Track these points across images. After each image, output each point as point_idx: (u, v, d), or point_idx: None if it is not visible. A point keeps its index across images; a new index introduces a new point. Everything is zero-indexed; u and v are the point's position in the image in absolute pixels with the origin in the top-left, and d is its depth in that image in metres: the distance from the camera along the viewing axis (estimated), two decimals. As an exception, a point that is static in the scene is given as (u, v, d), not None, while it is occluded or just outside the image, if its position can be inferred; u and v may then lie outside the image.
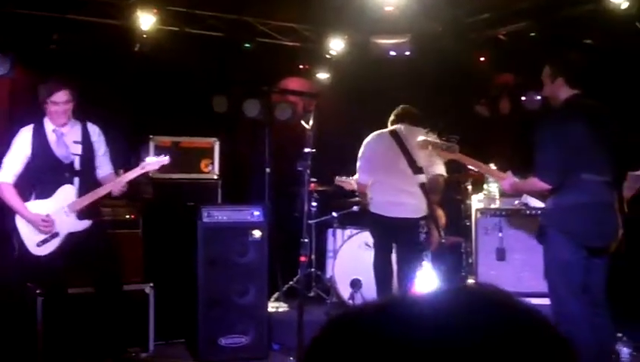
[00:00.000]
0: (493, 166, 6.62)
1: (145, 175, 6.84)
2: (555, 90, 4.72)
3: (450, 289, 0.97)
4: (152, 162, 5.53)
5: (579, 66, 4.82)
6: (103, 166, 5.63)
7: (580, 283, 4.56)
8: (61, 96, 5.33)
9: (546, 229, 4.64)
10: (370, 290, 6.86)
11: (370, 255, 6.67)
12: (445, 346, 0.86)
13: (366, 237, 7.05)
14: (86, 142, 5.52)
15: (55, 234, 5.38)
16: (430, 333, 0.88)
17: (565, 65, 4.76)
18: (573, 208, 4.53)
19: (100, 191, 5.40)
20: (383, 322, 0.91)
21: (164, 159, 5.58)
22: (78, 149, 5.47)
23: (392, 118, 6.43)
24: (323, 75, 8.75)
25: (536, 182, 4.58)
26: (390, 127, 6.34)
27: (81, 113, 5.62)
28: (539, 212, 6.24)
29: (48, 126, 5.45)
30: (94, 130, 5.61)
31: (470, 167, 5.24)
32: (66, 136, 5.48)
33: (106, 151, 5.66)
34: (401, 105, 6.55)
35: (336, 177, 7.20)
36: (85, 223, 5.43)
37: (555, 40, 7.54)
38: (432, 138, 5.30)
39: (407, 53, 8.64)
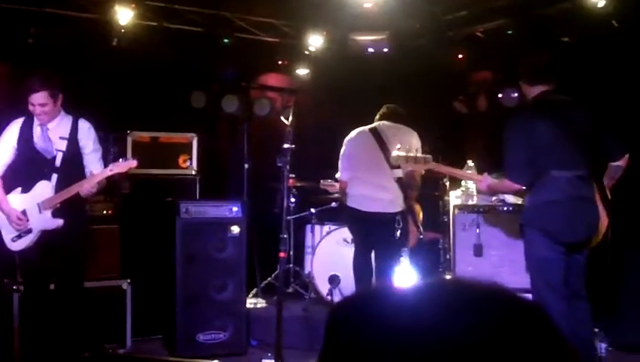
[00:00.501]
0: (470, 163, 6.70)
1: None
2: (526, 90, 4.87)
3: (434, 283, 0.98)
4: (120, 165, 5.39)
5: (536, 65, 4.89)
6: (91, 164, 5.49)
7: (558, 279, 4.61)
8: (37, 99, 5.26)
9: (523, 227, 4.75)
10: (348, 286, 6.88)
11: (348, 251, 6.69)
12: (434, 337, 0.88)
13: (344, 233, 7.07)
14: (72, 138, 5.44)
15: (29, 231, 5.34)
16: (418, 324, 0.90)
17: (523, 65, 4.91)
18: (546, 206, 4.60)
19: (69, 191, 5.28)
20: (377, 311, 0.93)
21: (132, 162, 5.52)
22: (62, 145, 5.41)
23: (376, 117, 6.51)
24: (302, 71, 8.75)
25: (508, 184, 4.68)
26: (371, 125, 6.35)
27: (74, 108, 5.55)
28: (516, 208, 6.34)
29: (36, 120, 5.41)
30: (84, 127, 5.51)
31: (446, 173, 5.28)
32: (51, 131, 5.42)
33: (96, 150, 5.55)
34: (386, 105, 6.58)
35: (321, 181, 7.26)
36: (58, 222, 5.36)
37: (532, 38, 7.60)
38: (404, 153, 5.24)
39: (386, 50, 8.66)
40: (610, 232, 4.86)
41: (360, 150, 6.33)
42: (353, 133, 6.45)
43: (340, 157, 6.41)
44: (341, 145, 6.43)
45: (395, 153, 5.23)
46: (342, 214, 6.84)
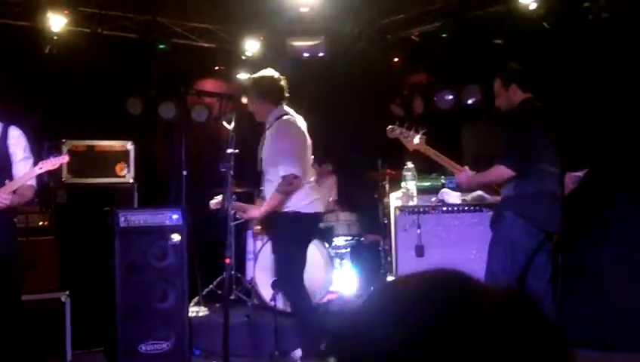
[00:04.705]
0: (410, 165, 6.76)
1: (55, 179, 6.69)
2: (511, 97, 5.09)
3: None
4: (50, 161, 5.23)
5: (526, 72, 5.18)
6: (20, 173, 5.28)
7: (521, 265, 4.91)
8: None
9: (504, 213, 4.97)
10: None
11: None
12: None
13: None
14: (1, 145, 5.27)
15: None
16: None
17: (516, 72, 5.16)
18: (536, 195, 4.89)
19: None
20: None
21: (63, 158, 5.38)
22: None
23: (284, 102, 5.51)
24: (243, 76, 8.72)
25: (502, 170, 4.88)
26: (294, 113, 5.54)
27: (5, 116, 5.39)
28: (455, 208, 6.42)
29: None
30: (14, 134, 5.32)
31: (433, 157, 5.41)
32: None
33: (26, 158, 5.34)
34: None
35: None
36: None
37: (466, 40, 7.74)
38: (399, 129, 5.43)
39: (321, 54, 8.71)
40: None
41: (306, 142, 5.50)
42: (297, 119, 5.46)
43: (291, 145, 5.31)
44: None
45: (391, 126, 5.46)
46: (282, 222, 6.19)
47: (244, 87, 5.33)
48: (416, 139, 5.40)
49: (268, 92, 5.29)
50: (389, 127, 5.55)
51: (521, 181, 4.89)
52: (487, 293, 0.94)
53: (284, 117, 5.36)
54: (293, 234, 5.48)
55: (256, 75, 5.35)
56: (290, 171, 5.18)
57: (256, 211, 5.41)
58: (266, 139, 5.34)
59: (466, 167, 5.28)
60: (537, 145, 4.92)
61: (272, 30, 8.40)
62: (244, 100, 5.27)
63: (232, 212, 5.21)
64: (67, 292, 6.10)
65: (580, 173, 5.27)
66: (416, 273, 0.99)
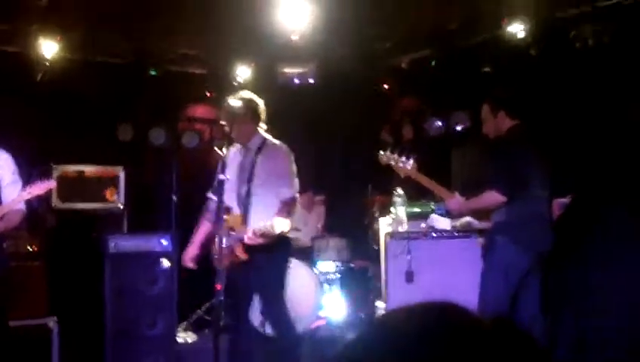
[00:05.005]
0: (400, 191, 6.79)
1: (45, 204, 6.68)
2: (499, 123, 5.13)
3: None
4: (38, 186, 5.17)
5: (516, 99, 5.28)
6: (9, 197, 5.24)
7: (515, 283, 4.94)
8: None
9: (495, 238, 5.00)
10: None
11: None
12: None
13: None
14: None
15: None
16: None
17: (505, 99, 5.22)
18: (527, 219, 4.94)
19: None
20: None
21: (51, 183, 5.37)
22: None
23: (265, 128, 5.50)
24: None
25: (494, 196, 4.89)
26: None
27: None
28: (444, 234, 6.45)
29: None
30: (2, 158, 5.29)
31: (424, 183, 5.43)
32: None
33: (14, 182, 5.30)
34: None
35: None
36: None
37: (455, 68, 7.82)
38: (391, 156, 5.48)
39: (311, 81, 8.77)
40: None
41: None
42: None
43: (291, 172, 5.31)
44: None
45: (382, 153, 5.52)
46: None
47: (230, 107, 5.29)
48: (408, 166, 5.43)
49: (257, 114, 5.31)
50: (380, 153, 5.58)
51: (512, 206, 4.91)
52: (477, 325, 0.97)
53: (274, 140, 5.39)
54: (286, 259, 5.55)
55: (246, 97, 5.36)
56: (293, 194, 5.22)
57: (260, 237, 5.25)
58: (259, 162, 5.29)
59: (456, 193, 5.30)
60: (527, 170, 4.96)
61: (263, 57, 8.45)
62: (224, 120, 5.20)
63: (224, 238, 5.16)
64: (55, 318, 6.06)
65: (566, 200, 5.32)
66: (409, 305, 1.02)
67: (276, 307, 5.50)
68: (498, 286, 4.95)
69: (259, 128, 5.34)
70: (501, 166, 4.98)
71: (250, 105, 5.33)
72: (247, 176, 5.21)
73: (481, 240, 5.41)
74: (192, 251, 5.35)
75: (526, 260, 4.97)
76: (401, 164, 5.46)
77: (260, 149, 5.30)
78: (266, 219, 4.99)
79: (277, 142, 5.38)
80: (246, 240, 5.01)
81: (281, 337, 5.59)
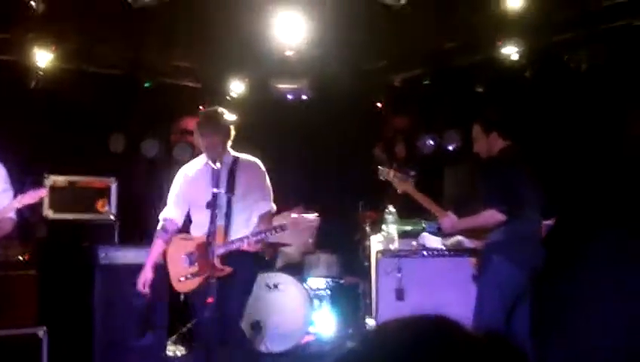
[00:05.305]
0: (392, 208, 6.82)
1: (36, 214, 6.65)
2: (491, 144, 5.19)
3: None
4: (29, 195, 5.16)
5: (509, 120, 5.36)
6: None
7: (510, 299, 4.97)
8: None
9: (492, 257, 5.02)
10: (272, 333, 6.85)
11: (273, 296, 6.69)
12: None
13: (269, 278, 7.05)
14: None
15: None
16: None
17: (498, 120, 5.29)
18: (523, 239, 4.99)
19: None
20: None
21: (41, 191, 5.35)
22: None
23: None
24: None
25: (493, 214, 4.91)
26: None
27: None
28: (435, 253, 6.47)
29: None
30: None
31: (420, 200, 5.45)
32: None
33: (5, 190, 5.32)
34: None
35: None
36: None
37: (448, 88, 7.87)
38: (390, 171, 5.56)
39: (305, 97, 8.82)
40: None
41: None
42: None
43: (269, 187, 5.40)
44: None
45: (381, 168, 5.63)
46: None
47: (212, 120, 5.21)
48: (406, 182, 5.47)
49: (231, 130, 5.25)
50: (380, 168, 5.63)
51: (508, 225, 4.93)
52: (471, 338, 0.98)
53: (247, 156, 5.34)
54: (256, 272, 5.57)
55: (225, 112, 5.28)
56: (270, 208, 5.25)
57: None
58: (237, 176, 5.23)
59: (449, 212, 5.33)
60: (522, 190, 5.01)
61: (257, 71, 8.49)
62: (203, 132, 5.13)
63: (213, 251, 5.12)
64: (45, 328, 6.02)
65: (549, 222, 5.36)
66: (403, 317, 1.03)
67: (240, 320, 5.37)
68: (494, 303, 4.98)
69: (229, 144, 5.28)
70: (496, 185, 5.01)
71: (230, 121, 5.28)
72: (224, 189, 5.07)
73: (473, 259, 5.42)
74: (148, 275, 5.18)
75: (521, 278, 5.01)
76: (398, 180, 5.51)
77: (235, 163, 5.24)
78: (245, 232, 5.00)
79: (251, 157, 5.37)
80: (245, 247, 4.96)
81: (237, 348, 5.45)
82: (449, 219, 5.26)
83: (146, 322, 6.20)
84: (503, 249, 4.99)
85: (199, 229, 5.10)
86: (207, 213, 4.87)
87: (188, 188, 5.24)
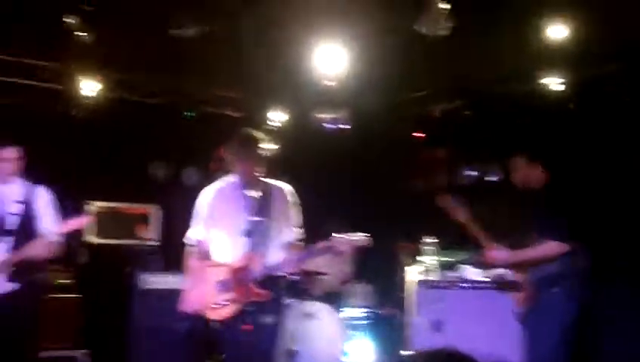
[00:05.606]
0: (429, 239, 6.79)
1: (79, 239, 6.76)
2: (532, 175, 5.14)
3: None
4: (72, 222, 5.26)
5: (553, 152, 5.36)
6: (45, 230, 5.31)
7: (570, 331, 4.85)
8: (5, 153, 5.25)
9: (547, 290, 4.88)
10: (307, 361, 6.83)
11: (310, 325, 6.69)
12: None
13: (305, 306, 7.04)
14: (27, 203, 5.37)
15: None
16: None
17: (544, 152, 5.24)
18: (578, 270, 4.90)
19: (22, 253, 5.14)
20: None
21: (85, 218, 5.42)
22: (17, 209, 5.32)
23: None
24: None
25: (557, 247, 4.83)
26: None
27: (32, 177, 5.49)
28: (475, 285, 6.40)
29: None
30: (40, 193, 5.44)
31: (473, 231, 5.36)
32: (5, 196, 5.34)
33: (51, 215, 5.39)
34: None
35: None
36: (12, 286, 5.14)
37: (489, 119, 7.84)
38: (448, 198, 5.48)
39: (344, 126, 8.85)
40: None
41: None
42: None
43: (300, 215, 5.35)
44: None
45: (442, 195, 5.52)
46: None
47: (252, 143, 5.10)
48: (462, 210, 5.37)
49: (267, 155, 5.02)
50: (441, 195, 5.53)
51: (565, 257, 4.85)
52: None
53: (281, 183, 5.28)
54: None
55: (260, 135, 5.22)
56: (298, 236, 5.14)
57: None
58: (275, 202, 5.17)
59: (497, 245, 5.18)
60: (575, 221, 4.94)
61: (297, 101, 8.56)
62: (241, 154, 5.07)
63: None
64: (84, 351, 6.09)
65: None
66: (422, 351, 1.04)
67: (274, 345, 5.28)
68: (552, 338, 4.84)
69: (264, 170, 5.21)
70: (557, 216, 4.91)
71: (267, 147, 5.17)
72: (260, 215, 4.90)
73: (517, 294, 5.25)
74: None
75: (576, 310, 4.89)
76: (455, 208, 5.39)
77: (269, 189, 5.07)
78: (280, 257, 4.94)
79: (282, 184, 5.21)
80: (285, 269, 4.90)
81: None
82: (501, 252, 5.14)
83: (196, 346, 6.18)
84: (560, 281, 4.87)
85: (229, 255, 4.95)
86: (240, 239, 4.76)
87: (224, 211, 5.03)
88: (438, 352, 1.32)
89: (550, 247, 4.86)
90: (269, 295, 4.82)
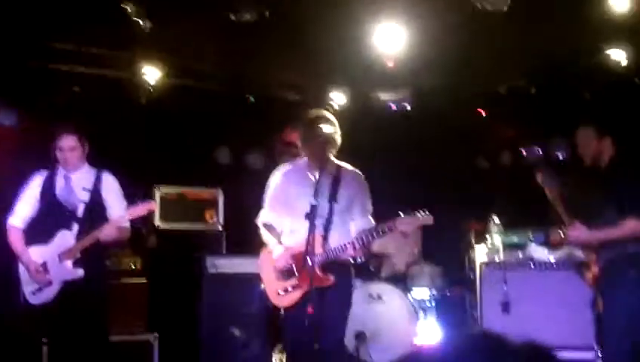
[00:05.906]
0: (496, 219, 6.69)
1: (147, 224, 6.88)
2: (602, 149, 4.83)
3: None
4: (139, 208, 5.36)
5: (624, 126, 5.03)
6: (114, 216, 5.45)
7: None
8: (67, 142, 5.36)
9: (630, 270, 4.60)
10: (376, 344, 6.82)
11: (376, 306, 6.67)
12: None
13: (373, 288, 7.03)
14: (95, 190, 5.47)
15: (49, 283, 5.28)
16: None
17: (615, 126, 4.93)
18: None
19: (90, 238, 5.24)
20: None
21: (151, 204, 5.51)
22: (85, 196, 5.44)
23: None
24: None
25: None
26: None
27: (101, 163, 5.61)
28: (543, 265, 6.28)
29: (60, 171, 5.47)
30: (107, 179, 5.55)
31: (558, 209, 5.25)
32: (74, 182, 5.47)
33: (119, 201, 5.52)
34: None
35: None
36: (79, 272, 5.27)
37: (554, 95, 7.67)
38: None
39: (408, 107, 8.76)
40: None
41: None
42: None
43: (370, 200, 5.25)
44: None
45: (540, 170, 5.44)
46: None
47: (329, 127, 5.02)
48: (554, 188, 5.23)
49: (336, 137, 4.98)
50: (539, 171, 5.42)
51: None
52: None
53: (351, 167, 5.16)
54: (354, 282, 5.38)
55: (329, 116, 5.14)
56: (372, 224, 4.99)
57: None
58: (341, 186, 5.11)
59: (577, 222, 4.90)
60: None
61: (358, 83, 8.51)
62: (303, 133, 5.01)
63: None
64: (156, 334, 6.21)
65: None
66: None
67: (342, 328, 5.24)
68: (620, 322, 4.55)
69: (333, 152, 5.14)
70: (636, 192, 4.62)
71: (336, 129, 5.10)
72: (327, 198, 4.88)
73: (588, 273, 5.07)
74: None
75: None
76: (547, 185, 5.27)
77: (338, 173, 5.03)
78: (338, 241, 4.80)
79: (354, 168, 5.16)
80: (349, 252, 4.84)
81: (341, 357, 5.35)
82: (579, 231, 4.85)
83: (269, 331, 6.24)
84: (637, 263, 4.57)
85: (293, 238, 4.94)
86: (304, 222, 4.66)
87: (288, 194, 5.05)
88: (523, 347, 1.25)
89: (635, 225, 4.54)
90: (334, 279, 4.81)
